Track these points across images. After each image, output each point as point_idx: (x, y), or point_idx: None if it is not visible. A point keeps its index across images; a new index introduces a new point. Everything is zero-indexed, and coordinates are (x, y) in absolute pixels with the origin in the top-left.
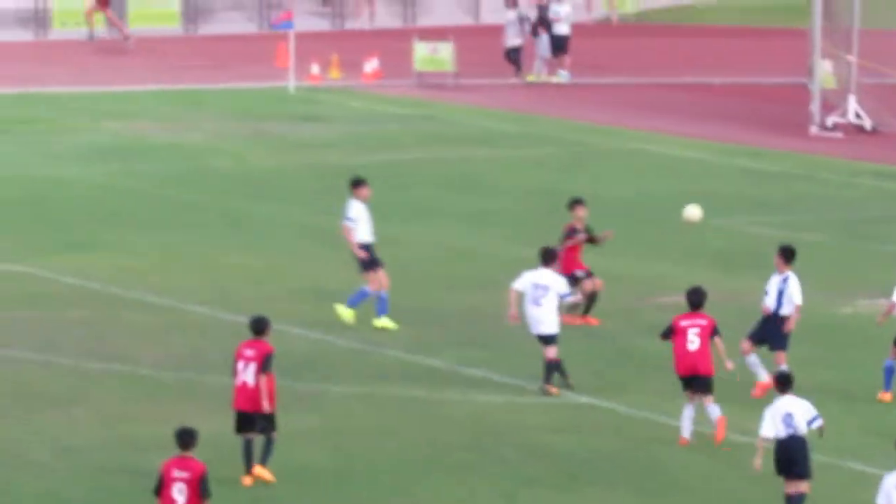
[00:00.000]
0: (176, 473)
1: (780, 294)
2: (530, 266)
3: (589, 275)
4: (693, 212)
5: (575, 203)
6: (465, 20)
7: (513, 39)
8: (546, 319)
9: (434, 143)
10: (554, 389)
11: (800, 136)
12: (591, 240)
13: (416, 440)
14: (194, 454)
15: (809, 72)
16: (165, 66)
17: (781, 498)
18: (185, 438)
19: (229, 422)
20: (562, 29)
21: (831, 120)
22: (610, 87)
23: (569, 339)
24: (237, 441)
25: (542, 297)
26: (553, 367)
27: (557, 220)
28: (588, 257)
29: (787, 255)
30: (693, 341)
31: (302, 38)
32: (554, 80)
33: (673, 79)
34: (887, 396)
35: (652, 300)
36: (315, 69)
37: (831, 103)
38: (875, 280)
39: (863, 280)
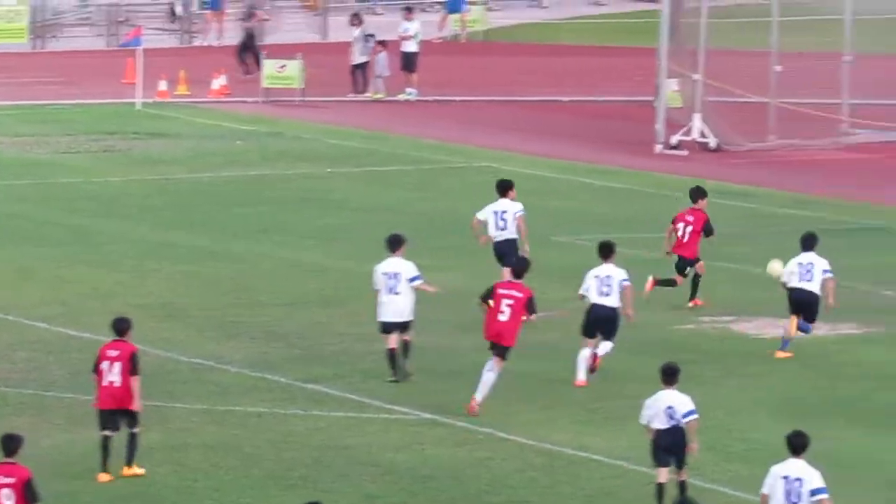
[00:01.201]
0: (2, 479)
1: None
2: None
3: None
4: (775, 267)
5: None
6: (313, 38)
7: (358, 57)
8: (403, 307)
9: (281, 159)
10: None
11: (645, 155)
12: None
13: (258, 456)
14: (19, 460)
15: (656, 90)
16: (14, 82)
17: None
18: (9, 444)
19: (72, 436)
20: (410, 46)
21: (676, 138)
22: (458, 104)
23: (413, 355)
24: (81, 455)
25: (397, 285)
26: (407, 350)
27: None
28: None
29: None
30: (504, 312)
31: (150, 54)
32: (401, 97)
33: (521, 97)
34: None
35: None
36: (163, 85)
37: (677, 122)
38: (718, 297)
39: (706, 297)
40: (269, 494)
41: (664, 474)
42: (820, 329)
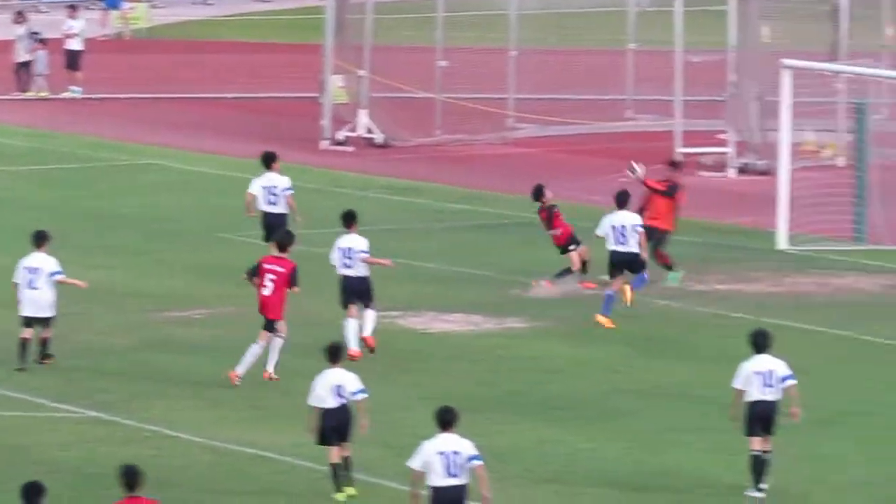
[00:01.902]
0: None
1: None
2: None
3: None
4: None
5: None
6: None
7: (23, 55)
8: (43, 302)
9: None
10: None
11: (311, 151)
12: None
13: None
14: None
15: (321, 87)
16: None
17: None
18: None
19: None
20: (75, 44)
21: (342, 134)
22: (123, 102)
23: (69, 356)
24: None
25: (36, 280)
26: (45, 345)
27: (69, 236)
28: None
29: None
30: (267, 286)
31: None
32: (66, 95)
33: (186, 94)
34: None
35: (160, 314)
36: None
37: (343, 118)
38: (386, 293)
39: (378, 295)
40: None
41: (335, 454)
42: (486, 323)
